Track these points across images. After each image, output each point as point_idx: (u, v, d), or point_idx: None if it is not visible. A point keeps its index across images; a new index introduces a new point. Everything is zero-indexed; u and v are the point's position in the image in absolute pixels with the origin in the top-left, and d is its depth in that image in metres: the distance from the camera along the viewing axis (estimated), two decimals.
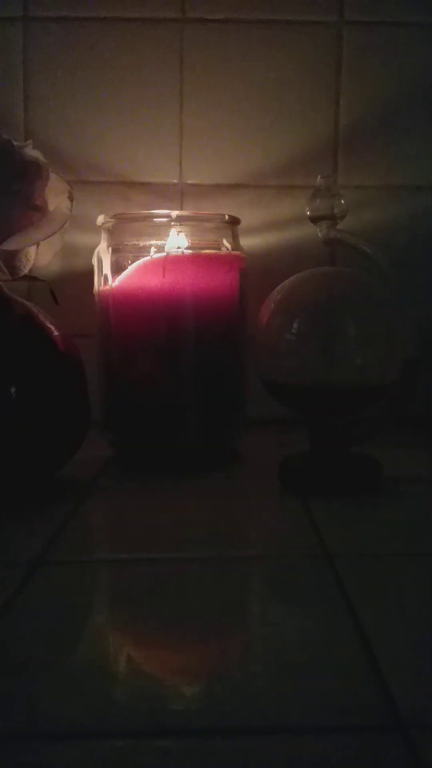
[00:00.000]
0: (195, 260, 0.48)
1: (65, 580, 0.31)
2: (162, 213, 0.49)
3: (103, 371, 0.50)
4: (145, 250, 0.48)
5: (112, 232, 0.49)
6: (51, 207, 0.43)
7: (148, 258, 0.48)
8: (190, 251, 0.48)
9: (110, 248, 0.49)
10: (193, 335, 0.48)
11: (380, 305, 0.44)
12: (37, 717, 0.21)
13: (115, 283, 0.48)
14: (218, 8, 0.60)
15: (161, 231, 0.48)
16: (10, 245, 0.40)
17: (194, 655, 0.25)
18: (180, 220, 0.48)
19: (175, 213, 0.48)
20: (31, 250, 0.43)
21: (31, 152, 0.42)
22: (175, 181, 0.61)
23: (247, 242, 0.56)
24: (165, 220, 0.48)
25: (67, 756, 0.19)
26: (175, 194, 0.61)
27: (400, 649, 0.25)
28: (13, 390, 0.39)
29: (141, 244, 0.49)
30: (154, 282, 0.47)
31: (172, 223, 0.48)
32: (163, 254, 0.47)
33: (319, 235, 0.46)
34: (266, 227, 0.62)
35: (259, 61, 0.61)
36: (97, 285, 0.50)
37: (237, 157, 0.61)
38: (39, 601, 0.29)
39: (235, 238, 0.51)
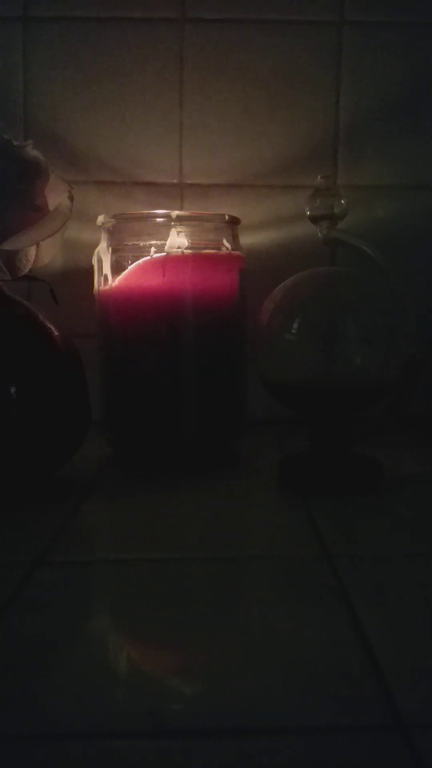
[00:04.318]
0: (195, 260, 0.48)
1: (65, 580, 0.31)
2: (162, 213, 0.49)
3: (103, 371, 0.50)
4: (145, 250, 0.48)
5: (112, 232, 0.49)
6: (51, 207, 0.43)
7: (148, 258, 0.48)
8: (190, 251, 0.48)
9: (110, 248, 0.49)
10: (193, 335, 0.48)
11: (380, 305, 0.44)
12: (37, 717, 0.21)
13: (115, 283, 0.48)
14: (218, 8, 0.60)
15: (161, 231, 0.48)
16: (10, 245, 0.40)
17: (194, 655, 0.25)
18: (180, 220, 0.48)
19: (175, 213, 0.48)
20: (31, 250, 0.43)
21: (31, 152, 0.42)
22: (175, 180, 0.61)
23: (247, 242, 0.56)
24: (165, 220, 0.48)
25: (67, 756, 0.19)
26: (175, 194, 0.61)
27: (400, 649, 0.25)
28: (13, 390, 0.39)
29: (141, 244, 0.49)
30: (154, 282, 0.47)
31: (172, 223, 0.48)
32: (163, 254, 0.47)
33: (319, 235, 0.46)
34: (266, 227, 0.62)
35: (259, 60, 0.61)
36: (97, 285, 0.50)
37: (237, 156, 0.61)
38: (39, 601, 0.29)
39: (235, 238, 0.51)
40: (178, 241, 0.48)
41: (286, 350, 0.43)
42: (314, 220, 0.45)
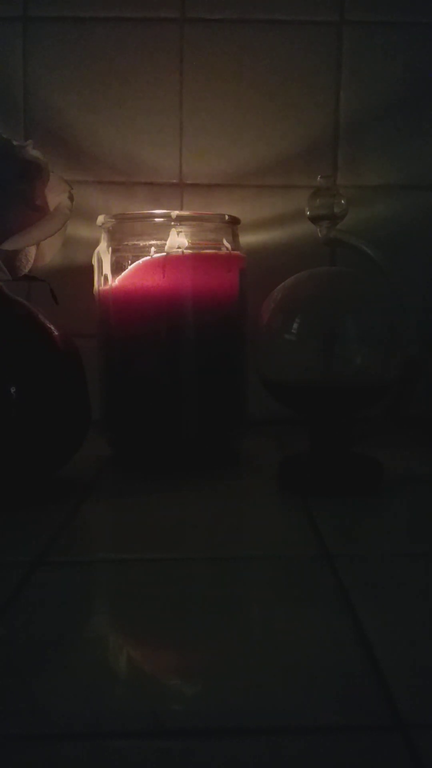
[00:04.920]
0: (195, 260, 0.48)
1: (65, 580, 0.31)
2: (162, 213, 0.49)
3: (103, 371, 0.50)
4: (145, 250, 0.48)
5: (112, 232, 0.49)
6: (51, 207, 0.43)
7: (148, 258, 0.48)
8: (190, 251, 0.48)
9: (110, 248, 0.49)
10: (193, 335, 0.48)
11: (380, 305, 0.44)
12: (37, 717, 0.21)
13: (115, 283, 0.48)
14: (218, 8, 0.60)
15: (161, 231, 0.48)
16: (10, 245, 0.40)
17: (194, 655, 0.25)
18: (180, 220, 0.48)
19: (175, 213, 0.48)
20: (31, 250, 0.43)
21: (31, 152, 0.42)
22: (175, 180, 0.61)
23: (247, 242, 0.56)
24: (165, 220, 0.48)
25: (67, 756, 0.19)
26: (175, 194, 0.61)
27: (400, 649, 0.25)
28: (13, 390, 0.39)
29: (141, 244, 0.49)
30: (154, 282, 0.47)
31: (172, 223, 0.48)
32: (163, 254, 0.47)
33: (319, 235, 0.46)
34: (266, 227, 0.62)
35: (259, 61, 0.61)
36: (97, 285, 0.50)
37: (237, 156, 0.61)
38: (39, 601, 0.29)
39: (235, 238, 0.51)
40: (178, 241, 0.48)
41: (286, 350, 0.43)
42: (314, 220, 0.45)
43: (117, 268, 0.49)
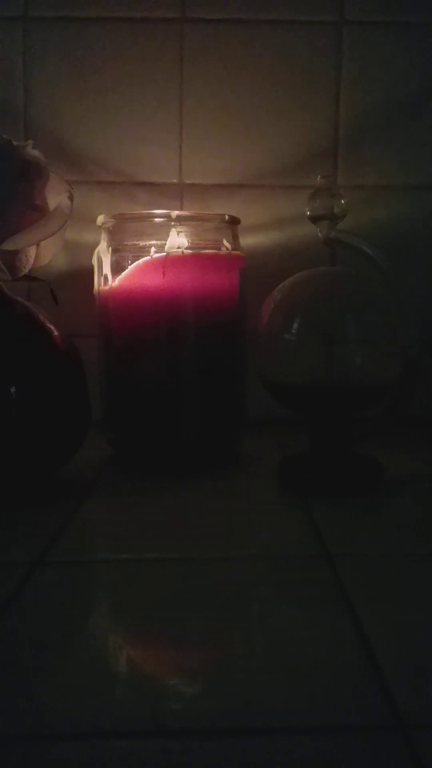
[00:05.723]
0: (195, 260, 0.48)
1: (65, 580, 0.31)
2: (162, 213, 0.49)
3: (103, 371, 0.50)
4: (145, 250, 0.48)
5: (112, 232, 0.49)
6: (51, 207, 0.43)
7: (148, 258, 0.48)
8: (190, 251, 0.48)
9: (110, 248, 0.49)
10: (192, 335, 0.48)
11: (380, 305, 0.44)
12: (37, 717, 0.21)
13: (115, 283, 0.48)
14: (218, 8, 0.60)
15: (161, 231, 0.48)
16: (10, 245, 0.40)
17: (194, 655, 0.25)
18: (180, 220, 0.48)
19: (175, 213, 0.48)
20: (31, 250, 0.43)
21: (31, 152, 0.42)
22: (175, 180, 0.61)
23: (247, 242, 0.56)
24: (165, 220, 0.48)
25: (67, 756, 0.19)
26: (175, 194, 0.61)
27: (400, 649, 0.25)
28: (13, 390, 0.39)
29: (141, 244, 0.49)
30: (154, 282, 0.47)
31: (172, 223, 0.48)
32: (163, 254, 0.47)
33: (319, 235, 0.46)
34: (266, 227, 0.62)
35: (259, 61, 0.61)
36: (97, 285, 0.50)
37: (237, 156, 0.61)
38: (39, 601, 0.29)
39: (235, 238, 0.51)
40: (178, 241, 0.48)
41: (286, 351, 0.43)
42: (314, 220, 0.45)
43: (117, 268, 0.49)
